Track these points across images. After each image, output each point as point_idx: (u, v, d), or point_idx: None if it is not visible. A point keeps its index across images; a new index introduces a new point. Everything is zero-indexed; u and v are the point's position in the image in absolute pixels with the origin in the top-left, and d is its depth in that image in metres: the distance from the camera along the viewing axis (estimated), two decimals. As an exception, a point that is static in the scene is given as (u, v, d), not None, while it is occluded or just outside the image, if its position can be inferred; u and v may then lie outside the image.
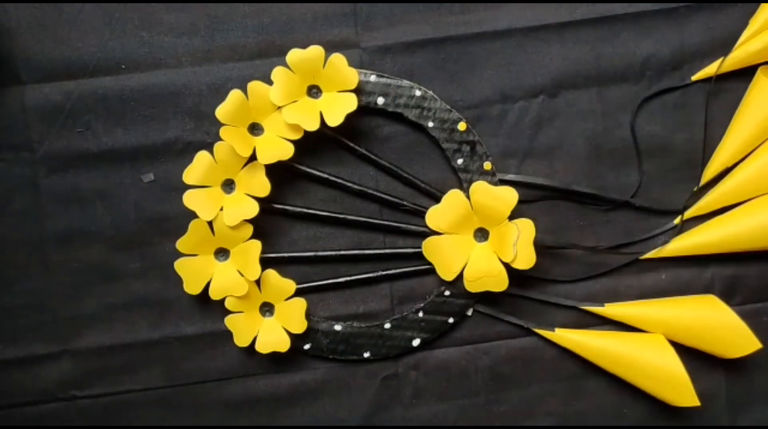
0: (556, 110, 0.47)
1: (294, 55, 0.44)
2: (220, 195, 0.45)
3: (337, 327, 0.48)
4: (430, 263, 0.46)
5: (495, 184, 0.46)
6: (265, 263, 0.47)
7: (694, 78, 0.48)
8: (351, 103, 0.44)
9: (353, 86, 0.45)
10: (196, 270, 0.46)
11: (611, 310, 0.48)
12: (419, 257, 0.47)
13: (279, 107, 0.45)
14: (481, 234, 0.46)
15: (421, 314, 0.48)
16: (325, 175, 0.47)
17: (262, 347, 0.46)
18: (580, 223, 0.49)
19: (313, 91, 0.45)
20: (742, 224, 0.46)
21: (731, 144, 0.47)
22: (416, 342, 0.48)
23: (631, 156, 0.48)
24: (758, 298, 0.49)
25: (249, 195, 0.45)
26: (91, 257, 0.48)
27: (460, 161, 0.47)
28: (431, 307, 0.48)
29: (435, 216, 0.46)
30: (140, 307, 0.48)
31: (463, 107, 0.47)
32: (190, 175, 0.45)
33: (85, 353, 0.48)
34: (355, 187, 0.47)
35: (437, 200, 0.46)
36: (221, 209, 0.45)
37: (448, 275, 0.46)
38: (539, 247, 0.45)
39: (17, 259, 0.47)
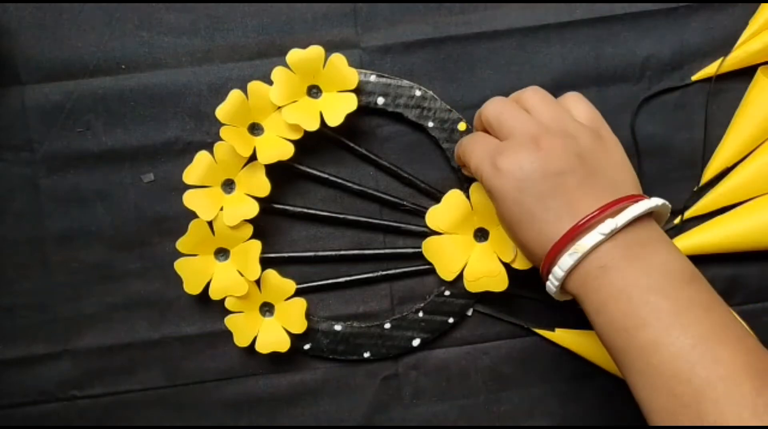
0: (556, 110, 0.47)
1: (294, 55, 0.44)
2: (220, 195, 0.45)
3: (337, 327, 0.48)
4: (430, 263, 0.46)
5: (495, 184, 0.46)
6: (265, 263, 0.47)
7: (694, 78, 0.48)
8: (351, 103, 0.44)
9: (353, 86, 0.45)
10: (196, 270, 0.46)
11: (611, 310, 0.48)
12: (419, 257, 0.47)
13: (279, 107, 0.45)
14: (481, 234, 0.46)
15: (421, 314, 0.48)
16: (325, 175, 0.47)
17: (262, 347, 0.46)
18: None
19: (313, 91, 0.45)
20: (742, 224, 0.46)
21: (731, 144, 0.47)
22: (416, 342, 0.48)
23: (631, 156, 0.48)
24: (758, 298, 0.49)
25: (249, 195, 0.45)
26: (91, 257, 0.48)
27: (460, 161, 0.47)
28: (431, 307, 0.48)
29: (435, 216, 0.46)
30: (140, 307, 0.48)
31: (463, 107, 0.47)
32: (190, 175, 0.45)
33: (85, 353, 0.48)
34: (355, 187, 0.47)
35: (437, 200, 0.46)
36: (221, 209, 0.45)
37: (448, 275, 0.46)
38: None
39: (17, 259, 0.47)
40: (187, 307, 0.48)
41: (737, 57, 0.46)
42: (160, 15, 0.46)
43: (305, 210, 0.48)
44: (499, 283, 0.45)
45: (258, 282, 0.46)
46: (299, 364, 0.49)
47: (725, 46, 0.47)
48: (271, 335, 0.47)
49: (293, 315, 0.47)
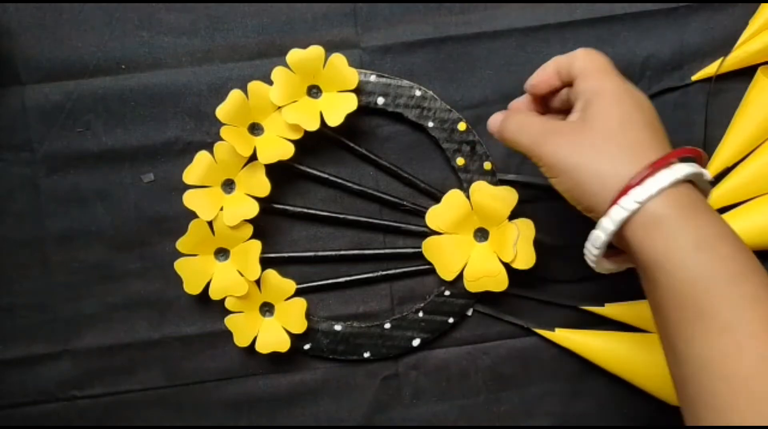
0: (556, 110, 0.47)
1: (294, 55, 0.44)
2: (220, 195, 0.45)
3: (337, 327, 0.48)
4: (430, 263, 0.46)
5: (495, 184, 0.46)
6: (265, 263, 0.47)
7: (694, 78, 0.48)
8: (351, 103, 0.44)
9: (353, 86, 0.45)
10: (196, 270, 0.46)
11: (611, 310, 0.48)
12: (419, 257, 0.47)
13: (279, 107, 0.45)
14: (481, 234, 0.46)
15: (421, 314, 0.48)
16: (325, 175, 0.47)
17: (262, 347, 0.46)
18: (580, 223, 0.49)
19: (313, 91, 0.45)
20: (742, 224, 0.46)
21: (731, 144, 0.47)
22: (416, 342, 0.48)
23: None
24: (758, 298, 0.49)
25: (249, 195, 0.45)
26: (91, 257, 0.48)
27: (460, 161, 0.47)
28: (431, 307, 0.48)
29: (435, 216, 0.46)
30: (140, 307, 0.48)
31: (463, 107, 0.47)
32: (190, 175, 0.45)
33: (85, 353, 0.48)
34: (355, 187, 0.47)
35: (437, 200, 0.46)
36: (221, 209, 0.45)
37: (448, 275, 0.46)
38: (539, 246, 0.45)
39: (17, 259, 0.47)
40: (187, 307, 0.48)
41: (737, 57, 0.46)
42: (160, 15, 0.46)
43: (305, 210, 0.48)
44: (499, 283, 0.45)
45: (258, 282, 0.46)
46: (299, 364, 0.49)
47: (725, 46, 0.47)
48: (271, 335, 0.47)
49: (293, 315, 0.47)
